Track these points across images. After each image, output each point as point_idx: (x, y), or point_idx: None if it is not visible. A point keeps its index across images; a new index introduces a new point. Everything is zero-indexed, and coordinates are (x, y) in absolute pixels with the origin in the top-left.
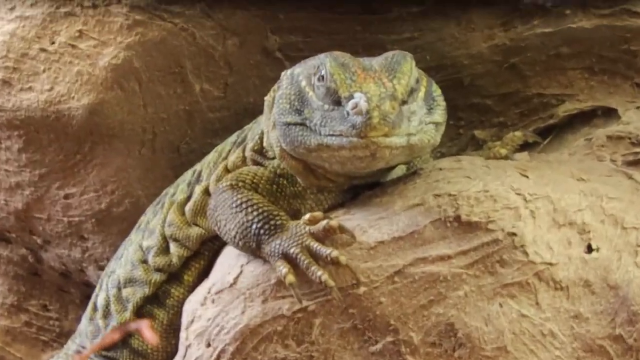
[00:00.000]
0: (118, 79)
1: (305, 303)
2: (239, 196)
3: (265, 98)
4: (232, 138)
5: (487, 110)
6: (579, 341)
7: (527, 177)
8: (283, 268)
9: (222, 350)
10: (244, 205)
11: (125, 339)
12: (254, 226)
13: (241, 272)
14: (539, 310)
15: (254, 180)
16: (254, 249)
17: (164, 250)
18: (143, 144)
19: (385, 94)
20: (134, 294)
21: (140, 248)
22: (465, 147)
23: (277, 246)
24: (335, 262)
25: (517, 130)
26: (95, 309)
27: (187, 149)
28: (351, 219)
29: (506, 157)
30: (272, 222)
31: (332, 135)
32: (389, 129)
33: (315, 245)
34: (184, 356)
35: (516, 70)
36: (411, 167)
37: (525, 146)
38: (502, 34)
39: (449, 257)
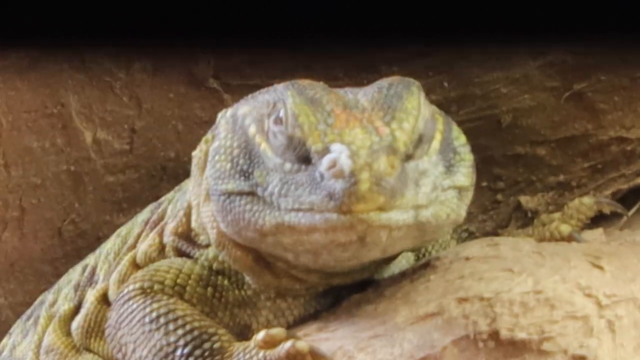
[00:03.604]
0: None
1: None
2: (155, 306)
3: (194, 153)
4: (144, 215)
5: (540, 165)
6: None
7: (601, 268)
8: None
9: None
10: (162, 320)
11: None
12: (178, 352)
13: None
14: None
15: (178, 281)
16: None
17: None
18: (5, 224)
19: (380, 146)
20: None
21: None
22: (507, 222)
23: None
24: None
25: (586, 196)
26: None
27: (74, 232)
28: (330, 338)
29: (570, 239)
30: (206, 345)
31: (299, 209)
32: (386, 198)
33: None
34: None
35: (584, 101)
36: (422, 255)
37: (599, 220)
38: (560, 46)
39: None
